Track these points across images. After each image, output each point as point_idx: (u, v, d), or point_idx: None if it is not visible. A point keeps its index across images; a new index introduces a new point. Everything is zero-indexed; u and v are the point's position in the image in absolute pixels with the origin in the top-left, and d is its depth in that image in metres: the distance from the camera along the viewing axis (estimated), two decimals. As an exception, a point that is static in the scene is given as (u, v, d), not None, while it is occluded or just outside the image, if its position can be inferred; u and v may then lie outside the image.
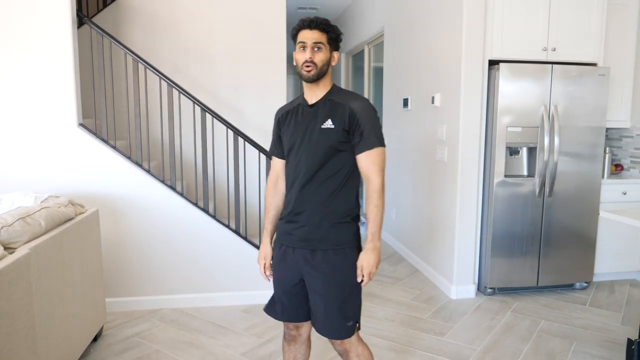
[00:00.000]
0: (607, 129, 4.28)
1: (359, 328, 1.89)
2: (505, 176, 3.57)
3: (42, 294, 2.08)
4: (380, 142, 1.79)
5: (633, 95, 4.04)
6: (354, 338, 1.87)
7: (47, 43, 3.06)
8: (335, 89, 1.87)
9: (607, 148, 3.96)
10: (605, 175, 3.93)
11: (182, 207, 3.35)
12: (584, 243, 3.74)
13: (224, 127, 3.55)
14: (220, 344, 2.88)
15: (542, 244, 3.67)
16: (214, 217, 3.41)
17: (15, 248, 2.00)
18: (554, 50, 3.61)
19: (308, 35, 1.79)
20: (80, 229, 2.58)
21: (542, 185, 3.61)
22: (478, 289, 3.74)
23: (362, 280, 1.80)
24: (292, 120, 1.91)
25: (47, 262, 2.15)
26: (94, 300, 2.74)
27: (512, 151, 3.67)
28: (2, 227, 1.98)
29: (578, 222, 3.71)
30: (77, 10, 3.23)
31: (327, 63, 1.81)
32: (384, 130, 5.29)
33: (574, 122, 3.60)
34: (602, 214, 2.63)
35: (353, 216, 1.84)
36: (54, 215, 2.36)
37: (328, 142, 1.79)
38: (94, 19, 4.01)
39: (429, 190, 4.09)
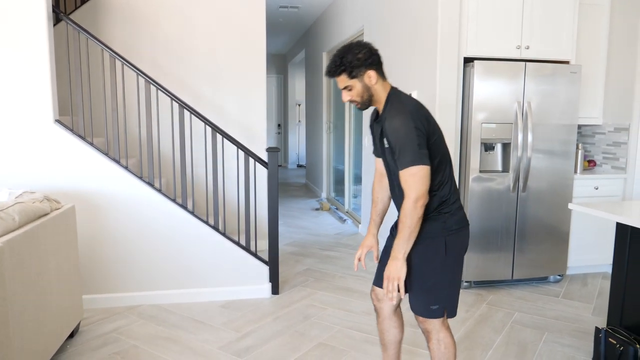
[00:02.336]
0: (580, 126, 4.39)
1: (449, 315, 1.97)
2: (480, 172, 3.64)
3: (16, 288, 2.08)
4: (412, 162, 1.77)
5: (605, 93, 4.14)
6: (437, 322, 1.96)
7: (22, 39, 3.05)
8: (389, 103, 1.89)
9: (580, 144, 4.05)
10: (578, 171, 4.02)
11: (160, 203, 3.36)
12: (557, 237, 3.83)
13: (203, 124, 3.57)
14: (199, 338, 2.90)
15: (516, 238, 3.75)
16: (192, 213, 3.42)
17: (-12, 242, 2.00)
18: (527, 48, 3.69)
19: (338, 82, 1.91)
20: (56, 225, 2.58)
21: (516, 180, 3.69)
22: (454, 283, 3.80)
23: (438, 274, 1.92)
24: (372, 130, 2.06)
25: (21, 256, 2.15)
26: (70, 296, 2.74)
27: (487, 147, 3.74)
28: (-26, 222, 1.98)
29: (551, 217, 3.80)
30: (53, 6, 3.22)
31: (366, 89, 1.89)
32: (364, 130, 5.35)
33: (547, 119, 3.68)
34: (571, 206, 2.70)
35: (441, 210, 1.90)
36: (29, 210, 2.36)
37: (393, 158, 1.87)
38: (72, 16, 4.00)
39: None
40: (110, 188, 3.28)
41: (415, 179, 1.77)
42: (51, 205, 2.65)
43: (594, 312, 3.29)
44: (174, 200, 3.39)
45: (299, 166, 12.55)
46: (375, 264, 2.30)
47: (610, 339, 2.48)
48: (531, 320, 3.17)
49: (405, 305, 2.31)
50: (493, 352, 2.73)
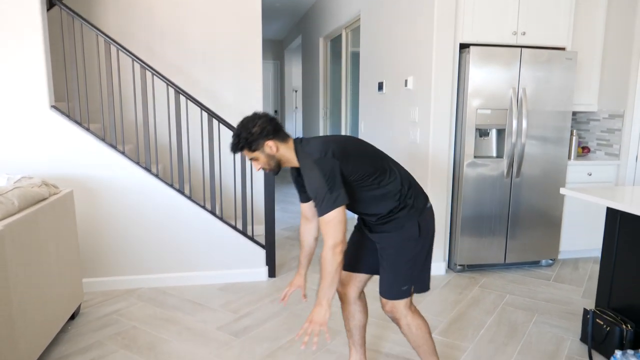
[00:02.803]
0: (575, 112, 4.42)
1: (420, 291, 2.06)
2: (475, 157, 3.68)
3: (17, 271, 2.12)
4: (325, 209, 1.81)
5: (600, 79, 4.17)
6: (403, 308, 2.05)
7: (16, 25, 3.05)
8: (299, 158, 1.94)
9: (574, 131, 4.09)
10: (572, 157, 4.07)
11: (158, 189, 3.39)
12: (550, 222, 3.89)
13: (199, 110, 3.59)
14: (197, 319, 2.96)
15: (509, 223, 3.81)
16: (190, 198, 3.46)
17: (-11, 226, 2.04)
18: (523, 34, 3.71)
19: (244, 154, 2.00)
20: (55, 209, 2.61)
21: (510, 166, 3.73)
22: (448, 266, 3.87)
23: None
24: (296, 183, 2.12)
25: (22, 240, 2.19)
26: (70, 279, 2.79)
27: (482, 133, 3.78)
28: (-25, 205, 2.01)
29: (544, 203, 3.85)
30: (48, -10, 3.21)
31: (270, 157, 1.95)
32: (361, 116, 5.37)
33: (542, 105, 3.72)
34: (563, 190, 2.74)
35: (404, 199, 1.98)
36: (28, 194, 2.39)
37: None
38: (66, 0, 3.98)
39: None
40: (108, 174, 3.31)
41: (330, 226, 1.81)
42: (49, 190, 2.68)
43: (583, 295, 3.36)
44: (171, 186, 3.43)
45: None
46: (303, 302, 2.44)
47: (597, 320, 2.55)
48: (522, 302, 3.24)
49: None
50: (484, 332, 2.80)
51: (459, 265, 3.81)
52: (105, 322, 2.91)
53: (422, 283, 2.08)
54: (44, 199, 2.55)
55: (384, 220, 2.00)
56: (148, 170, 3.38)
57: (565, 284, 3.57)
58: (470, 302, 3.24)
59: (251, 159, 1.98)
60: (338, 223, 1.81)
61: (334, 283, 1.86)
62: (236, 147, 1.94)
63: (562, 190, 2.76)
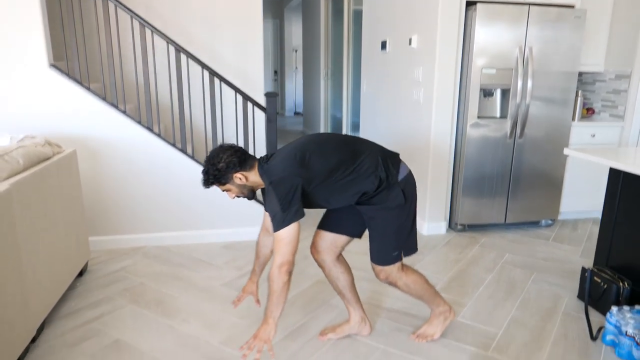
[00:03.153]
0: (580, 73, 4.37)
1: (408, 254, 2.16)
2: (479, 117, 3.66)
3: (25, 229, 2.15)
4: (277, 227, 1.89)
5: (608, 39, 4.09)
6: (394, 271, 2.16)
7: (15, -21, 2.98)
8: (264, 180, 2.00)
9: (580, 91, 4.05)
10: (576, 119, 4.05)
11: (160, 148, 3.39)
12: (551, 183, 3.91)
13: (200, 68, 3.54)
14: (202, 276, 3.02)
15: (511, 184, 3.83)
16: (192, 157, 3.46)
17: (-4, 184, 2.05)
18: (531, -9, 3.62)
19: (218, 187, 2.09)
20: (59, 168, 2.62)
21: (514, 127, 3.72)
22: (449, 226, 3.92)
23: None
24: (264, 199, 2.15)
25: (28, 199, 2.21)
26: (77, 237, 2.83)
27: (486, 93, 3.75)
28: (-19, 163, 2.02)
29: (546, 164, 3.86)
30: (43, -56, 3.11)
31: (242, 187, 2.04)
32: (363, 76, 5.31)
33: (548, 65, 3.67)
34: (567, 151, 2.75)
35: (378, 188, 2.01)
36: (32, 153, 2.39)
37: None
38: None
39: (405, 132, 4.17)
40: (110, 133, 3.30)
41: (281, 244, 1.89)
42: (53, 149, 2.68)
43: (581, 255, 3.42)
44: (173, 145, 3.43)
45: (296, 114, 12.49)
46: (256, 308, 2.54)
47: (595, 278, 2.60)
48: (521, 261, 3.29)
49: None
50: (484, 289, 2.86)
51: (460, 225, 3.85)
52: (112, 279, 2.97)
53: (410, 246, 2.17)
54: (48, 158, 2.56)
55: (369, 196, 2.04)
56: (150, 129, 3.37)
57: (564, 244, 3.62)
58: (470, 260, 3.30)
59: (224, 191, 2.07)
60: (288, 243, 1.89)
61: (280, 302, 1.92)
62: (207, 182, 2.03)
63: (566, 151, 2.76)
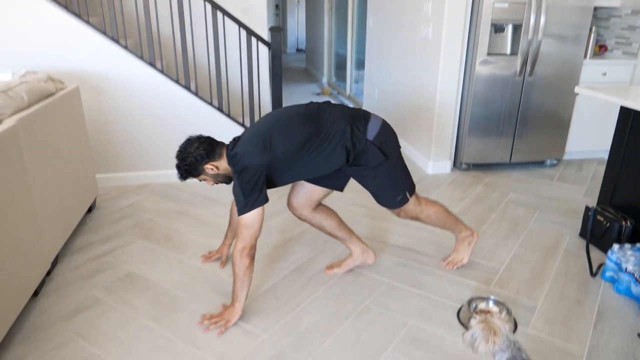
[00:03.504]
0: (596, 8, 4.21)
1: (412, 193, 2.20)
2: (488, 54, 3.57)
3: (34, 165, 2.16)
4: (240, 211, 1.94)
5: (625, -29, 3.92)
6: (412, 206, 2.21)
7: None
8: (231, 167, 2.02)
9: (594, 28, 3.93)
10: (588, 56, 3.94)
11: (163, 85, 3.34)
12: (558, 123, 3.87)
13: (202, 1, 3.42)
14: (210, 213, 3.07)
15: (518, 123, 3.79)
16: (196, 94, 3.41)
17: (1, 120, 2.04)
18: None
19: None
20: (63, 105, 2.59)
21: (524, 64, 3.63)
22: (454, 165, 3.93)
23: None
24: None
25: (35, 135, 2.20)
26: (84, 174, 2.84)
27: (497, 28, 3.63)
28: (-14, 99, 1.99)
29: (555, 103, 3.80)
30: None
31: (215, 176, 2.09)
32: (369, 11, 5.12)
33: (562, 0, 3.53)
34: (578, 89, 2.70)
35: (353, 137, 2.00)
36: (35, 89, 2.36)
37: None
38: None
39: (412, 69, 4.09)
40: (111, 69, 3.23)
41: (243, 229, 1.94)
42: (55, 85, 2.64)
43: (585, 194, 3.45)
44: (176, 82, 3.37)
45: (299, 50, 12.19)
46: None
47: (598, 217, 2.64)
48: (525, 199, 3.33)
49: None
50: (487, 227, 2.91)
51: (465, 164, 3.86)
52: (121, 215, 3.02)
53: (410, 185, 2.20)
54: (52, 94, 2.53)
55: (348, 164, 2.06)
56: (152, 65, 3.30)
57: (568, 184, 3.64)
58: (474, 199, 3.33)
59: (201, 180, 2.14)
60: (249, 227, 1.94)
61: (244, 285, 2.00)
62: (182, 177, 2.10)
63: (577, 89, 2.71)
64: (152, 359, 1.84)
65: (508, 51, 3.70)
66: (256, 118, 4.01)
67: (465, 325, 2.03)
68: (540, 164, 4.05)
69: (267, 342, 1.94)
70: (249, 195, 1.92)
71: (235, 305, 2.02)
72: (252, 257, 1.98)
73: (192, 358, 1.85)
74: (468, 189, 3.50)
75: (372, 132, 2.03)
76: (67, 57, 3.15)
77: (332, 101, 6.09)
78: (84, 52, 3.16)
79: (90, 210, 3.04)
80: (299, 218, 2.33)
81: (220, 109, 3.48)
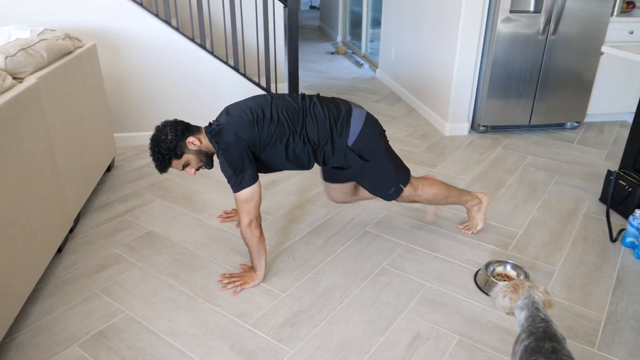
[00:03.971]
0: (625, -38, 4.02)
1: (406, 184, 2.19)
2: (511, 12, 3.45)
3: (55, 124, 2.17)
4: (234, 188, 1.93)
5: None
6: (408, 192, 2.21)
7: None
8: (214, 145, 1.98)
9: (622, -18, 3.76)
10: (615, 13, 3.79)
11: (178, 43, 3.29)
12: (580, 84, 3.77)
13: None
14: (226, 174, 3.08)
15: (538, 84, 3.70)
16: (212, 53, 3.37)
17: (22, 78, 2.03)
18: None
19: (174, 168, 2.10)
20: (81, 63, 2.58)
21: (548, 22, 3.51)
22: (471, 127, 3.87)
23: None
24: None
25: (55, 93, 2.20)
26: (103, 133, 2.85)
27: (522, -15, 3.49)
28: (6, 57, 1.98)
29: (578, 62, 3.69)
30: None
31: (199, 153, 2.01)
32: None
33: (592, -48, 3.37)
34: (605, 48, 2.62)
35: (322, 152, 2.06)
36: (54, 47, 2.34)
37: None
38: None
39: (431, 28, 3.98)
40: (126, 26, 3.19)
41: (243, 204, 1.93)
42: (73, 43, 2.62)
43: (606, 158, 3.39)
44: (192, 40, 3.32)
45: (312, 7, 11.90)
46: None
47: (620, 181, 2.60)
48: (544, 163, 3.29)
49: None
50: (504, 190, 2.89)
51: (483, 126, 3.80)
52: (139, 174, 3.04)
53: (402, 177, 2.19)
54: (70, 52, 2.50)
55: (329, 163, 2.11)
56: (167, 22, 3.25)
57: (589, 147, 3.58)
58: (492, 161, 3.30)
59: (183, 167, 2.03)
60: (250, 201, 1.93)
61: (261, 255, 2.02)
62: (163, 163, 1.98)
63: (604, 48, 2.64)
64: (174, 314, 1.89)
65: (531, 8, 3.57)
66: (272, 77, 3.96)
67: (483, 289, 2.05)
68: (561, 126, 3.97)
69: (286, 301, 1.98)
70: (241, 173, 1.91)
71: (257, 272, 2.06)
72: (261, 227, 1.99)
73: (213, 315, 1.89)
74: (486, 152, 3.46)
75: (352, 137, 2.05)
76: (82, 15, 3.10)
77: (347, 61, 5.96)
78: (99, 10, 3.11)
79: (109, 169, 3.06)
80: (339, 202, 2.55)
81: (236, 68, 3.44)
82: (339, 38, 7.66)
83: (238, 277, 2.07)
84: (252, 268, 2.08)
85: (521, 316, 1.44)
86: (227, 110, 2.04)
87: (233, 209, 2.62)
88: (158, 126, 2.01)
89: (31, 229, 1.88)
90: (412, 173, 2.24)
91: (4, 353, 1.71)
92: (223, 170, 1.95)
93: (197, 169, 2.07)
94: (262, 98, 2.07)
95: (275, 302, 1.97)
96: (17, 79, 2.02)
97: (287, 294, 2.02)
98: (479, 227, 2.45)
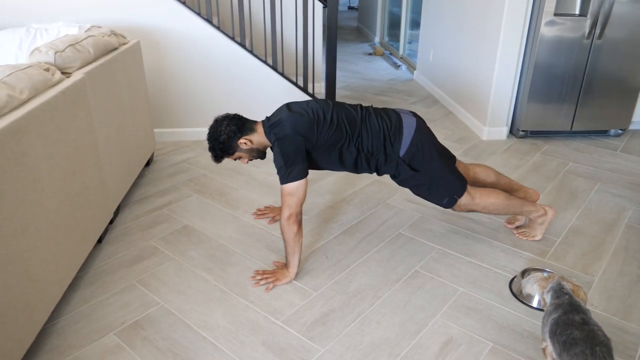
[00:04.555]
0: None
1: (460, 194, 2.17)
2: (555, 15, 3.37)
3: (99, 117, 2.24)
4: (283, 180, 1.95)
5: None
6: (465, 201, 2.18)
7: None
8: (270, 138, 2.06)
9: (674, -14, 3.61)
10: (665, 18, 3.65)
11: (219, 41, 3.34)
12: (626, 90, 3.64)
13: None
14: (262, 171, 3.11)
15: (582, 90, 3.59)
16: (251, 52, 3.41)
17: (70, 73, 2.11)
18: None
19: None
20: (125, 59, 2.65)
21: (593, 26, 3.41)
22: (510, 132, 3.79)
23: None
24: None
25: (100, 88, 2.27)
26: (144, 128, 2.93)
27: (567, -13, 3.40)
28: (56, 53, 2.06)
29: (624, 68, 3.57)
30: None
31: (250, 151, 2.12)
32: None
33: (643, -47, 3.25)
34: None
35: (386, 151, 2.10)
36: (100, 43, 2.41)
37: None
38: None
39: (471, 30, 3.92)
40: (169, 24, 3.26)
41: (287, 197, 1.95)
42: (118, 40, 2.70)
43: (651, 167, 3.27)
44: (232, 38, 3.37)
45: (350, 8, 11.90)
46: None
47: (666, 191, 2.50)
48: (585, 170, 3.19)
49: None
50: (544, 197, 2.82)
51: (522, 130, 3.72)
52: (177, 169, 3.11)
53: (456, 187, 2.16)
54: (115, 49, 2.58)
55: (382, 170, 2.16)
56: (209, 21, 3.31)
57: (633, 155, 3.46)
58: (531, 167, 3.22)
59: (236, 159, 2.17)
60: (293, 195, 1.95)
61: (295, 251, 2.03)
62: (217, 158, 2.11)
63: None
64: (208, 308, 1.93)
65: (577, 11, 3.47)
66: (309, 77, 3.99)
67: (518, 297, 2.01)
68: (603, 133, 3.85)
69: (318, 300, 1.98)
70: (292, 165, 1.94)
71: (290, 270, 2.07)
72: (300, 224, 2.00)
73: (245, 310, 1.92)
74: (525, 157, 3.38)
75: (403, 148, 2.08)
76: (127, 12, 3.19)
77: (384, 62, 5.93)
78: (143, 8, 3.19)
79: (148, 163, 3.14)
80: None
81: (274, 67, 3.47)
82: (377, 39, 7.63)
83: (271, 274, 2.09)
84: (285, 265, 2.10)
85: (548, 297, 1.60)
86: (289, 106, 2.10)
87: (266, 207, 2.64)
88: (217, 119, 2.11)
89: (74, 219, 1.94)
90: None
91: (46, 337, 1.78)
92: (275, 160, 2.00)
93: (250, 160, 2.19)
94: (324, 102, 2.13)
95: (307, 301, 1.98)
96: (66, 73, 2.10)
97: (318, 293, 2.02)
98: (536, 238, 2.39)
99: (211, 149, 2.10)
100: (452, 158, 2.30)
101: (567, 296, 1.52)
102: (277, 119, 2.04)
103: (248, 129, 2.09)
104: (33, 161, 1.65)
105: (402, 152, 2.09)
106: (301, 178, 1.96)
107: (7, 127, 1.51)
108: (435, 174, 2.14)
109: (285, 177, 1.96)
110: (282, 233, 2.02)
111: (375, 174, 2.21)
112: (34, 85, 1.78)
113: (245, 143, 2.08)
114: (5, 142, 1.49)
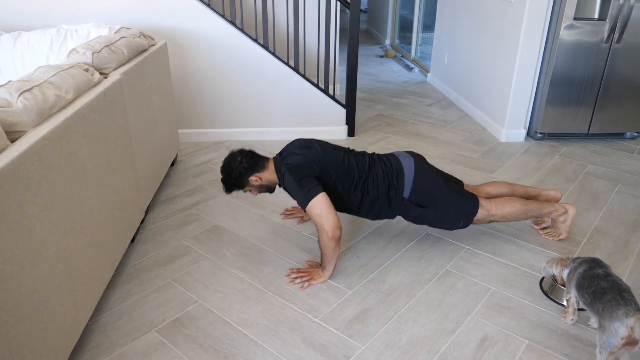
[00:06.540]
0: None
1: (474, 214, 2.22)
2: (575, 19, 3.40)
3: (133, 118, 2.27)
4: (305, 202, 1.98)
5: None
6: (483, 216, 2.24)
7: None
8: (278, 174, 2.15)
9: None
10: (682, 22, 3.68)
11: (243, 43, 3.38)
12: (643, 93, 3.68)
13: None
14: (286, 172, 3.14)
15: (600, 93, 3.62)
16: (274, 54, 3.44)
17: (107, 74, 2.14)
18: None
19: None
20: (155, 60, 2.69)
21: (612, 30, 3.44)
22: (528, 134, 3.82)
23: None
24: None
25: (134, 88, 2.30)
26: (170, 129, 2.96)
27: (587, -9, 3.43)
28: (93, 54, 2.10)
29: (642, 71, 3.60)
30: None
31: (260, 187, 2.21)
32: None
33: (662, -42, 3.29)
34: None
35: (379, 206, 2.20)
36: (132, 45, 2.45)
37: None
38: None
39: (489, 34, 3.95)
40: (193, 26, 3.30)
41: (317, 218, 1.96)
42: (148, 41, 2.73)
43: (670, 169, 3.30)
44: (255, 41, 3.40)
45: (360, 11, 11.92)
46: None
47: (691, 193, 2.53)
48: (605, 172, 3.22)
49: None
50: (566, 199, 2.85)
51: (540, 133, 3.75)
52: (202, 170, 3.14)
53: (468, 209, 2.22)
54: (145, 50, 2.62)
55: (392, 211, 2.24)
56: (233, 23, 3.34)
57: (651, 158, 3.49)
58: (550, 169, 3.25)
59: (246, 192, 2.26)
60: (321, 216, 1.96)
61: (332, 261, 2.07)
62: (228, 190, 2.21)
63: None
64: (246, 306, 1.96)
65: (596, 16, 3.51)
66: (331, 79, 4.02)
67: (549, 295, 2.03)
68: (620, 136, 3.88)
69: (353, 298, 2.01)
70: (306, 185, 1.99)
71: (326, 273, 2.11)
72: (338, 240, 2.00)
73: (283, 308, 1.95)
74: (544, 159, 3.41)
75: (407, 190, 2.16)
76: (153, 14, 3.23)
77: (397, 65, 5.95)
78: (169, 9, 3.23)
79: (173, 164, 3.17)
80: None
81: (296, 69, 3.50)
82: (388, 41, 7.67)
83: (305, 273, 2.12)
84: (320, 265, 2.13)
85: (565, 274, 1.88)
86: (300, 143, 2.20)
87: (294, 207, 2.67)
88: (232, 154, 2.19)
89: (113, 219, 1.97)
90: (470, 179, 2.27)
91: (89, 335, 1.81)
92: (290, 189, 2.07)
93: (260, 193, 2.29)
94: (336, 145, 2.25)
95: (342, 299, 2.01)
96: (102, 74, 2.13)
97: (353, 292, 2.05)
98: (562, 237, 2.43)
99: (223, 181, 2.19)
100: (460, 184, 2.36)
101: (588, 257, 1.82)
102: (289, 152, 2.15)
103: (260, 167, 2.17)
104: (80, 160, 1.68)
105: (406, 194, 2.17)
106: (320, 192, 1.97)
107: (59, 126, 1.55)
108: (443, 204, 2.20)
109: (305, 197, 1.98)
110: (322, 247, 2.04)
111: (376, 220, 2.32)
112: (78, 86, 1.82)
113: (255, 180, 2.16)
114: (57, 141, 1.53)
